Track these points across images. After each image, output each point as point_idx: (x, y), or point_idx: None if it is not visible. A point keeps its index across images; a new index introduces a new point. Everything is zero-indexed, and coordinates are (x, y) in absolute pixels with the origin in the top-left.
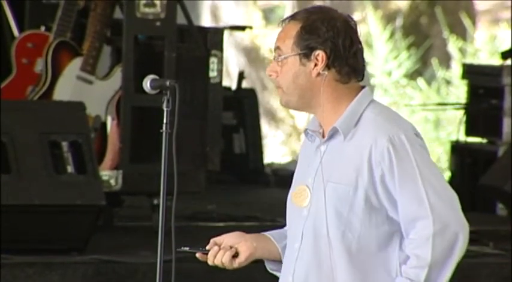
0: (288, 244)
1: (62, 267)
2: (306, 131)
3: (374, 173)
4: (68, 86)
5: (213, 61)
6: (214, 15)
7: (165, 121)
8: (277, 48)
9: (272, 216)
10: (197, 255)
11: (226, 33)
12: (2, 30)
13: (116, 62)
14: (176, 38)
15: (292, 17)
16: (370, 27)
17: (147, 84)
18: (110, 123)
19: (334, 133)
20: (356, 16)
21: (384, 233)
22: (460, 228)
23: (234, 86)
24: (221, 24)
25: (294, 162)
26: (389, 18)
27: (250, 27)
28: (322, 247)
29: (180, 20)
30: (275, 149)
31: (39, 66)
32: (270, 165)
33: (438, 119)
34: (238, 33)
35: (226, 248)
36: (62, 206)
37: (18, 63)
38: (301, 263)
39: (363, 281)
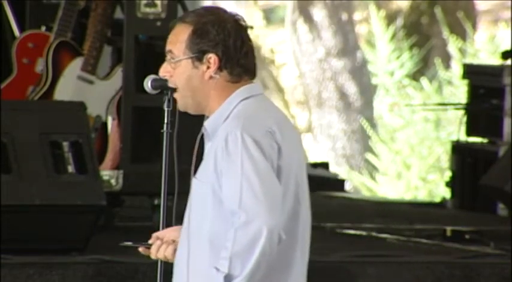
0: None
1: (62, 267)
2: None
3: (217, 168)
4: (69, 86)
5: None
6: None
7: (165, 121)
8: (169, 51)
9: None
10: (140, 249)
11: None
12: (2, 30)
13: (116, 62)
14: None
15: (183, 20)
16: (373, 26)
17: (148, 84)
18: (111, 123)
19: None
20: (357, 16)
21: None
22: (265, 226)
23: None
24: None
25: None
26: (390, 18)
27: (251, 27)
28: (185, 240)
29: None
30: None
31: (39, 66)
32: None
33: (439, 119)
34: None
35: (169, 242)
36: (63, 206)
37: (18, 63)
38: (176, 255)
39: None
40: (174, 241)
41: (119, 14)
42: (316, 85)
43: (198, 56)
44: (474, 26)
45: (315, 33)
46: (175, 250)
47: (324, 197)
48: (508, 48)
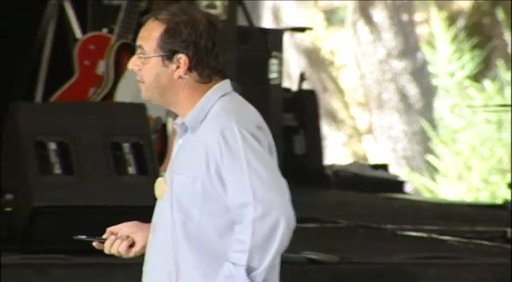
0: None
1: (124, 268)
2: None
3: (210, 164)
4: (130, 87)
5: (273, 62)
6: (276, 16)
7: None
8: (139, 46)
9: (333, 218)
10: (94, 244)
11: (286, 34)
12: (65, 33)
13: None
14: (236, 39)
15: (156, 17)
16: (434, 28)
17: None
18: (171, 125)
19: (186, 128)
20: (418, 17)
21: (225, 222)
22: (282, 215)
23: (294, 88)
24: (282, 25)
25: (355, 164)
26: (451, 19)
27: (310, 29)
28: (166, 237)
29: (241, 21)
30: (336, 151)
31: (101, 68)
32: (331, 166)
33: (501, 120)
34: (299, 35)
35: (123, 238)
36: (124, 207)
37: (80, 65)
38: (150, 253)
39: (205, 269)
40: (128, 237)
41: None
42: (377, 86)
43: (169, 55)
44: None
45: (376, 34)
46: (130, 246)
47: (384, 198)
48: None
